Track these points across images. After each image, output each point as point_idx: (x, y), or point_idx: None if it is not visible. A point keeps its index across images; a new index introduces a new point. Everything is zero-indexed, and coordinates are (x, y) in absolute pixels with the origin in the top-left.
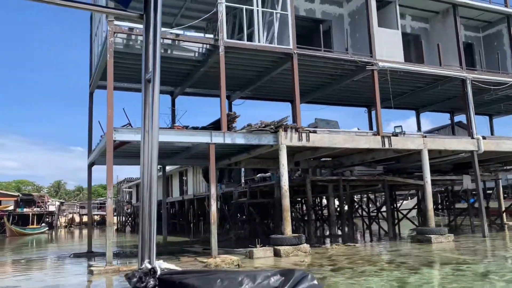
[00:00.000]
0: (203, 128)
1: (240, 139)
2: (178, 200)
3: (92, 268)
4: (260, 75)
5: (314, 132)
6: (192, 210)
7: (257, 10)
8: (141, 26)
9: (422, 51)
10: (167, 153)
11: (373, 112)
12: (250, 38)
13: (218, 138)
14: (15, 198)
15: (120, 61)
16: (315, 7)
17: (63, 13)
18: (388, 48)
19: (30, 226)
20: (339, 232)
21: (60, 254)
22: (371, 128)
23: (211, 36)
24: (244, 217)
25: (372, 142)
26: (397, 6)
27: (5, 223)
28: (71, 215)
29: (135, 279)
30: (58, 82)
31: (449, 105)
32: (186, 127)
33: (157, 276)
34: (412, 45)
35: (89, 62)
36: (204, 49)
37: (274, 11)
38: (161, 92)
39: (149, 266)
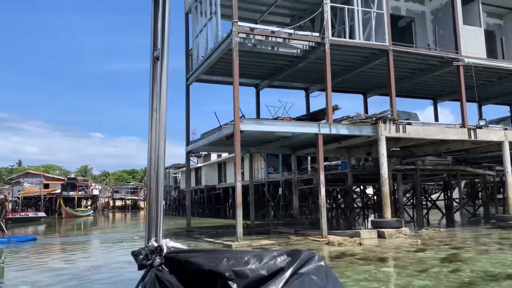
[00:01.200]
0: (299, 119)
1: (343, 130)
2: (232, 186)
3: (227, 243)
4: (346, 69)
5: (409, 124)
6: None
7: (358, 10)
8: (260, 26)
9: (496, 47)
10: (256, 141)
11: (439, 104)
12: (345, 34)
13: (325, 128)
14: (62, 182)
15: (228, 58)
16: (400, 5)
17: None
18: (471, 45)
19: (79, 209)
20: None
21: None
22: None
23: (317, 34)
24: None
25: (460, 133)
26: (480, 4)
27: (61, 206)
28: (107, 199)
29: (141, 257)
30: (78, 69)
31: (510, 99)
32: (292, 119)
33: (163, 254)
34: (486, 41)
35: (184, 58)
36: (308, 46)
37: (371, 9)
38: (246, 84)
39: (156, 244)
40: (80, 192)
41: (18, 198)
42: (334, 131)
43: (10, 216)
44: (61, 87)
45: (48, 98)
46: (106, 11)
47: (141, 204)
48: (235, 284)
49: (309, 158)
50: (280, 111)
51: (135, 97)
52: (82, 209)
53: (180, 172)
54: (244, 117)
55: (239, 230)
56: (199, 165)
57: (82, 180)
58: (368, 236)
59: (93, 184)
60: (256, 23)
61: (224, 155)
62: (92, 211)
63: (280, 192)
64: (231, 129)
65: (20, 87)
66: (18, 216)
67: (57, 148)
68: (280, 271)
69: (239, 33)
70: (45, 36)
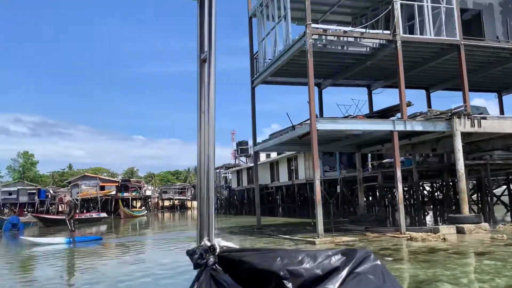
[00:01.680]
0: (370, 116)
1: (418, 126)
2: (285, 185)
3: (309, 239)
4: (413, 65)
5: (484, 118)
6: (301, 194)
7: (427, 6)
8: (321, 26)
9: None
10: (324, 140)
11: (504, 97)
12: (413, 31)
13: (400, 125)
14: (117, 184)
15: (299, 59)
16: None
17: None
18: None
19: (135, 209)
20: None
21: (232, 230)
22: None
23: (388, 32)
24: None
25: None
26: None
27: (120, 207)
28: (156, 199)
29: (196, 256)
30: (118, 73)
31: None
32: (365, 116)
33: (216, 253)
34: None
35: (249, 62)
36: (377, 44)
37: (440, 4)
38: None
39: (209, 244)
40: (133, 193)
41: (77, 200)
42: (409, 127)
43: (77, 217)
44: (104, 92)
45: (92, 103)
46: (142, 16)
47: (189, 203)
48: (290, 283)
49: (369, 155)
50: (342, 110)
51: (176, 99)
52: (138, 209)
53: (230, 172)
54: (318, 116)
55: (320, 227)
56: (251, 164)
57: (134, 182)
58: (447, 231)
59: (145, 185)
60: (317, 23)
61: (273, 155)
62: (146, 211)
63: (338, 190)
64: (306, 129)
65: (66, 93)
66: (84, 217)
67: (102, 151)
68: (335, 270)
69: (312, 34)
70: (87, 45)
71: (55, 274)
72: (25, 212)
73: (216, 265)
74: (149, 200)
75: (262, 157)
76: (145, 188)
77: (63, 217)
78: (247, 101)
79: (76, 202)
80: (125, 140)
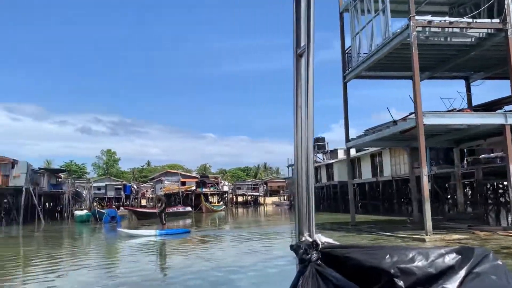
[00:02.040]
0: (475, 110)
1: None
2: (369, 182)
3: (417, 236)
4: None
5: None
6: (386, 191)
7: None
8: (439, 18)
9: None
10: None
11: None
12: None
13: None
14: (196, 179)
15: (398, 52)
16: None
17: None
18: None
19: (215, 204)
20: None
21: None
22: None
23: (496, 20)
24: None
25: None
26: None
27: (202, 201)
28: (230, 195)
29: (301, 251)
30: (192, 73)
31: None
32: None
33: (319, 249)
34: None
35: (341, 56)
36: (484, 34)
37: None
38: (403, 77)
39: (310, 239)
40: (210, 189)
41: (161, 195)
42: None
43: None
44: (177, 92)
45: (166, 103)
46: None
47: (261, 199)
48: (401, 282)
49: (465, 150)
50: (445, 103)
51: (243, 98)
52: (217, 204)
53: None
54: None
55: (428, 223)
56: (331, 161)
57: (212, 178)
58: None
59: (222, 181)
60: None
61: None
62: (223, 206)
63: (429, 187)
64: (410, 123)
65: (142, 94)
66: (171, 210)
67: (176, 148)
68: (450, 269)
69: (416, 27)
70: (157, 44)
71: (191, 262)
72: (113, 206)
73: (319, 260)
74: (226, 195)
75: (340, 154)
76: (222, 184)
77: (154, 210)
78: (319, 96)
79: (163, 197)
80: (196, 138)
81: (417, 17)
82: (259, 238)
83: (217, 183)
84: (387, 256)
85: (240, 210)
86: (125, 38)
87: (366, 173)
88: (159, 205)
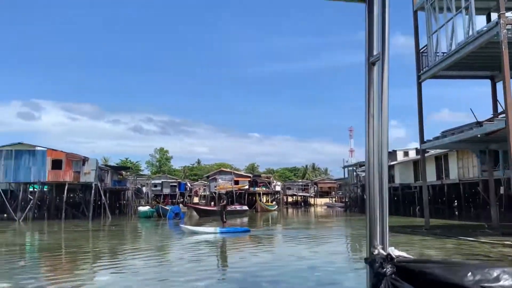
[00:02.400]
0: None
1: None
2: (432, 184)
3: (508, 243)
4: None
5: None
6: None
7: None
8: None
9: None
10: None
11: None
12: None
13: None
14: (249, 179)
15: (481, 51)
16: None
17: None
18: None
19: (269, 203)
20: None
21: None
22: None
23: None
24: None
25: None
26: None
27: (257, 201)
28: (281, 195)
29: (376, 264)
30: (237, 73)
31: None
32: None
33: (394, 263)
34: None
35: (414, 56)
36: None
37: None
38: (479, 77)
39: (384, 253)
40: (262, 188)
41: (215, 193)
42: None
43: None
44: (224, 92)
45: (213, 103)
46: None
47: (311, 200)
48: None
49: None
50: None
51: (289, 97)
52: (270, 204)
53: (362, 170)
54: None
55: None
56: (392, 163)
57: (264, 177)
58: None
59: (274, 181)
60: (489, 12)
61: (411, 154)
62: (276, 206)
63: (501, 191)
64: (499, 125)
65: (191, 94)
66: (229, 209)
67: (222, 147)
68: None
69: (506, 24)
70: (207, 44)
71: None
72: (170, 203)
73: (394, 275)
74: (278, 195)
75: (399, 155)
76: (274, 183)
77: (214, 208)
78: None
79: (214, 195)
80: (242, 137)
81: (507, 14)
82: (322, 240)
83: (269, 183)
84: (469, 274)
85: (291, 210)
86: (179, 39)
87: (431, 176)
88: (221, 203)
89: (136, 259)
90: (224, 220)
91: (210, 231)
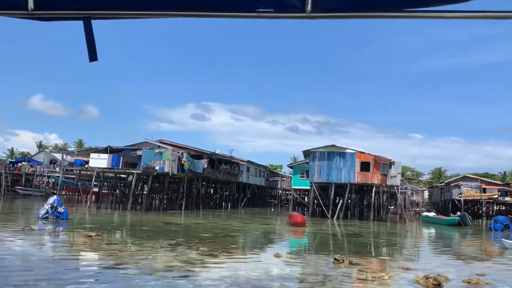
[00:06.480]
0: None
1: None
2: None
3: None
4: None
5: None
6: None
7: None
8: None
9: None
10: None
11: None
12: None
13: None
14: (498, 187)
15: None
16: None
17: None
18: None
19: None
20: None
21: None
22: None
23: None
24: None
25: None
26: None
27: None
28: None
29: None
30: (396, 70)
31: None
32: None
33: None
34: None
35: None
36: None
37: None
38: None
39: None
40: None
41: (458, 201)
42: None
43: None
44: (382, 90)
45: (370, 102)
46: None
47: None
48: None
49: None
50: None
51: (459, 93)
52: None
53: None
54: None
55: None
56: None
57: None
58: None
59: None
60: None
61: None
62: None
63: None
64: None
65: (346, 93)
66: None
67: (379, 148)
68: None
69: None
70: (365, 42)
71: None
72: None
73: None
74: None
75: None
76: None
77: None
78: None
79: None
80: (401, 138)
81: None
82: None
83: None
84: None
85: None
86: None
87: None
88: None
89: None
90: None
91: None
